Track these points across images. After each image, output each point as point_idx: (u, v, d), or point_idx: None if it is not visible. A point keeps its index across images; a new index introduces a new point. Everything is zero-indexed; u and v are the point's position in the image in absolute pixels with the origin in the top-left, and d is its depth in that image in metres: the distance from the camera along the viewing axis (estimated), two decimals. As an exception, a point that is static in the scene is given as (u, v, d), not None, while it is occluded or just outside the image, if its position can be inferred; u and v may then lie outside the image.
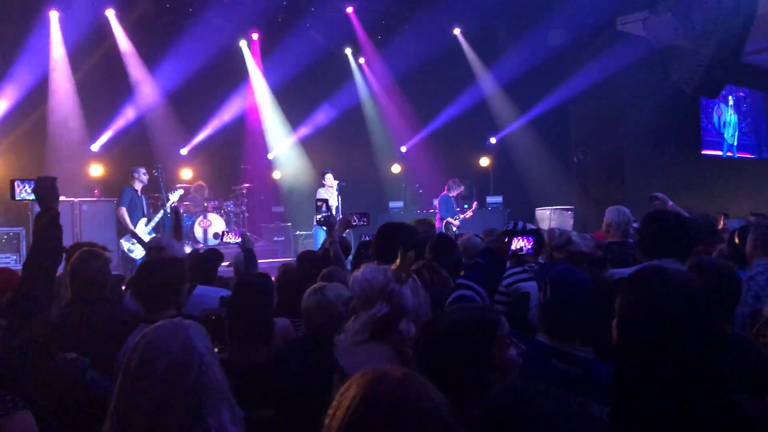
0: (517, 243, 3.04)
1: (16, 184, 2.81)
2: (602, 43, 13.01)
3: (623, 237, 4.44)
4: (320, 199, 4.22)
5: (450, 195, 11.40)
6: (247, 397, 2.08)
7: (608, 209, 4.60)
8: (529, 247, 3.07)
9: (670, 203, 5.34)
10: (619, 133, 14.04)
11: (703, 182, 14.99)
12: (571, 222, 11.87)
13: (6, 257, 9.44)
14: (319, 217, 4.16)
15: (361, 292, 2.25)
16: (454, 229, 10.90)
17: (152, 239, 4.32)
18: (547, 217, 12.45)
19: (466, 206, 11.90)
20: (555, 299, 2.53)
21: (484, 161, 14.73)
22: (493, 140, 15.21)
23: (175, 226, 4.89)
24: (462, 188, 11.73)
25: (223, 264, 4.91)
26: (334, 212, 9.89)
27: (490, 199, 13.76)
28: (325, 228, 4.11)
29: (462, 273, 3.31)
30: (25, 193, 2.79)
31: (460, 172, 13.21)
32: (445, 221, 11.16)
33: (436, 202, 11.99)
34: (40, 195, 2.71)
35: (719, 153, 17.08)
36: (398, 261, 2.26)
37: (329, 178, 10.42)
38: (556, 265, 3.42)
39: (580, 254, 4.18)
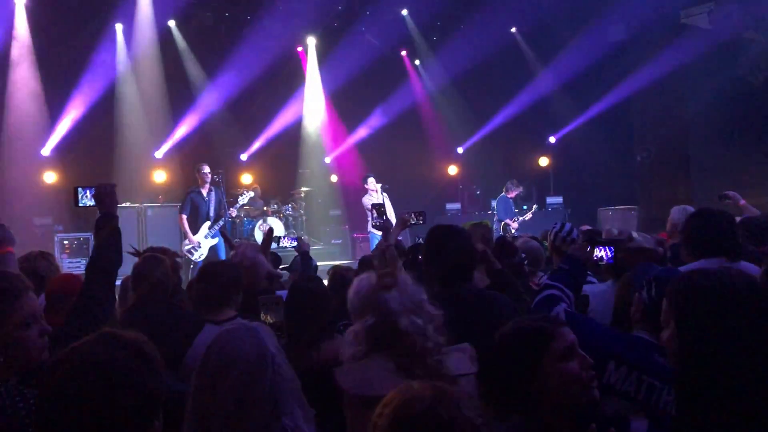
0: (599, 252, 2.99)
1: (78, 191, 2.90)
2: (665, 36, 12.58)
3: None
4: (376, 204, 4.20)
5: (508, 196, 11.23)
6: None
7: (673, 209, 4.44)
8: (610, 256, 3.02)
9: (742, 201, 5.10)
10: (684, 130, 13.55)
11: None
12: (635, 222, 11.52)
13: (77, 262, 9.82)
14: (374, 223, 4.16)
15: (350, 305, 2.21)
16: (513, 231, 10.73)
17: (242, 246, 4.36)
18: (609, 217, 12.13)
19: (525, 207, 11.70)
20: (659, 296, 2.45)
21: (544, 161, 14.47)
22: (552, 139, 14.92)
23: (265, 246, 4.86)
24: (521, 189, 11.56)
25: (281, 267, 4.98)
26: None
27: (550, 200, 13.50)
28: (380, 232, 4.09)
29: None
30: (86, 199, 2.88)
31: (518, 173, 13.04)
32: (503, 223, 11.01)
33: (494, 203, 11.84)
34: (100, 201, 2.78)
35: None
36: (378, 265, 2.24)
37: (372, 182, 9.96)
38: (647, 266, 3.31)
39: (641, 249, 4.04)
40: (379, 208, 4.16)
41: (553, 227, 4.22)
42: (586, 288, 3.60)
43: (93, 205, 2.83)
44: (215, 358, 1.75)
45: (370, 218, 9.29)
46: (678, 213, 4.35)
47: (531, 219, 11.26)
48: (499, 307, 2.82)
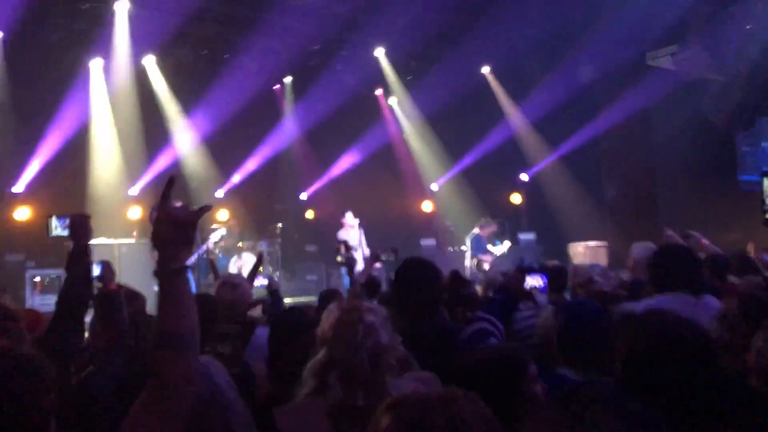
0: (531, 281, 3.09)
1: (52, 220, 2.91)
2: (632, 77, 12.98)
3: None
4: (339, 241, 4.29)
5: (480, 234, 11.37)
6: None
7: (634, 245, 4.58)
8: (542, 285, 3.12)
9: (704, 241, 5.27)
10: (650, 167, 13.89)
11: (743, 216, 14.66)
12: (605, 258, 11.71)
13: (48, 298, 9.69)
14: (339, 258, 4.22)
15: (319, 334, 2.16)
16: (486, 266, 10.85)
17: (228, 276, 4.47)
18: (580, 253, 12.31)
19: (497, 243, 11.86)
20: (566, 324, 2.56)
21: (516, 198, 14.71)
22: (524, 177, 15.18)
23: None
24: (494, 227, 11.67)
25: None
26: (358, 249, 9.95)
27: (522, 236, 13.68)
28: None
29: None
30: (60, 229, 2.89)
31: (492, 209, 13.23)
32: (476, 259, 11.13)
33: (468, 240, 11.99)
34: (73, 231, 2.79)
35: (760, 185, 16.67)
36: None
37: (349, 217, 10.30)
38: (577, 301, 3.44)
39: (600, 293, 4.19)
40: (345, 243, 4.24)
41: (518, 263, 4.35)
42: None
43: (66, 236, 2.83)
44: None
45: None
46: (638, 249, 4.48)
47: (504, 255, 11.37)
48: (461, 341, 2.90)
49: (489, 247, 11.32)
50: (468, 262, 11.10)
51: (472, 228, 11.70)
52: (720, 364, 1.91)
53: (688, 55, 11.50)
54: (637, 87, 12.83)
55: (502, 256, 11.35)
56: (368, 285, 4.41)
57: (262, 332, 3.98)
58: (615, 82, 13.27)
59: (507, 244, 11.69)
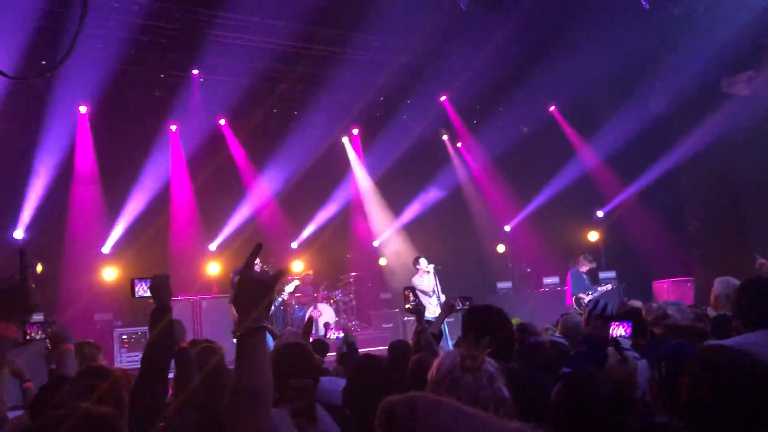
0: (616, 330, 2.94)
1: (135, 282, 3.04)
2: (707, 106, 12.56)
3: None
4: (407, 288, 4.25)
5: (581, 270, 11.13)
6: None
7: (716, 280, 4.36)
8: (628, 332, 2.96)
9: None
10: (736, 196, 13.27)
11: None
12: (691, 294, 11.16)
13: (135, 356, 10.01)
14: (407, 306, 4.18)
15: (429, 381, 2.19)
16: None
17: (287, 333, 4.55)
18: (665, 290, 11.79)
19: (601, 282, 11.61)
20: (669, 375, 2.42)
21: (594, 235, 14.30)
22: (600, 213, 14.78)
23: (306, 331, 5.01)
24: (593, 264, 11.43)
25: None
26: (433, 295, 9.86)
27: (602, 275, 13.21)
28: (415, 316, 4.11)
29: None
30: (142, 290, 3.01)
31: (568, 248, 12.94)
32: (575, 297, 10.90)
33: (567, 277, 11.74)
34: (155, 292, 2.90)
35: None
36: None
37: (423, 263, 10.25)
38: (661, 341, 3.26)
39: (676, 327, 3.97)
40: (413, 290, 4.20)
41: (587, 305, 4.20)
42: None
43: (148, 296, 2.95)
44: None
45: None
46: (721, 285, 4.27)
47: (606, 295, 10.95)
48: (542, 387, 2.80)
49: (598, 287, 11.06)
50: (568, 300, 10.89)
51: (549, 268, 11.45)
52: None
53: (764, 79, 11.07)
54: (714, 115, 12.40)
55: (605, 295, 10.97)
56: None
57: (326, 381, 3.99)
58: (690, 111, 12.87)
59: (609, 286, 11.34)
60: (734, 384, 1.72)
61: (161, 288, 2.87)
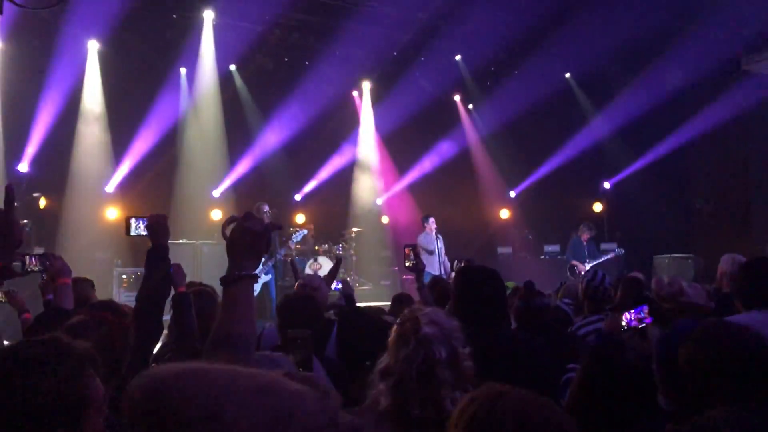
0: (627, 317, 2.83)
1: (131, 221, 3.00)
2: (725, 82, 12.35)
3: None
4: (407, 245, 4.21)
5: (581, 238, 11.18)
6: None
7: (723, 258, 4.33)
8: (648, 320, 2.84)
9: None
10: (744, 177, 13.16)
11: None
12: (691, 272, 11.17)
13: (133, 295, 10.07)
14: (407, 264, 4.16)
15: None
16: (580, 273, 10.58)
17: (308, 277, 4.58)
18: (665, 265, 11.79)
19: (602, 250, 11.69)
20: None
21: (598, 206, 14.24)
22: (607, 185, 14.69)
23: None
24: (594, 232, 11.56)
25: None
26: (437, 256, 9.88)
27: (604, 246, 13.20)
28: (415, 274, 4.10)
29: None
30: (139, 229, 2.97)
31: (572, 218, 12.90)
32: (569, 264, 10.97)
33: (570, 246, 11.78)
34: (152, 231, 2.86)
35: None
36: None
37: (432, 222, 10.27)
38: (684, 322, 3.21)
39: (691, 305, 3.95)
40: (413, 248, 4.17)
41: (585, 275, 4.18)
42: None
43: (144, 235, 2.92)
44: None
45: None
46: (727, 262, 4.23)
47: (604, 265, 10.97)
48: (535, 351, 2.80)
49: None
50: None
51: (550, 236, 11.47)
52: None
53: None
54: (731, 93, 12.21)
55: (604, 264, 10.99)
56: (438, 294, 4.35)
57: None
58: (707, 88, 12.66)
59: (612, 254, 11.42)
60: (733, 357, 1.71)
61: (158, 227, 2.83)
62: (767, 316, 2.95)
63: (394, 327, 2.12)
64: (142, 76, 11.90)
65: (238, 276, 1.61)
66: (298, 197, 13.96)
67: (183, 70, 12.52)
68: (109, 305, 2.73)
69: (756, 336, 1.81)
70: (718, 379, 1.73)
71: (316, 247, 12.36)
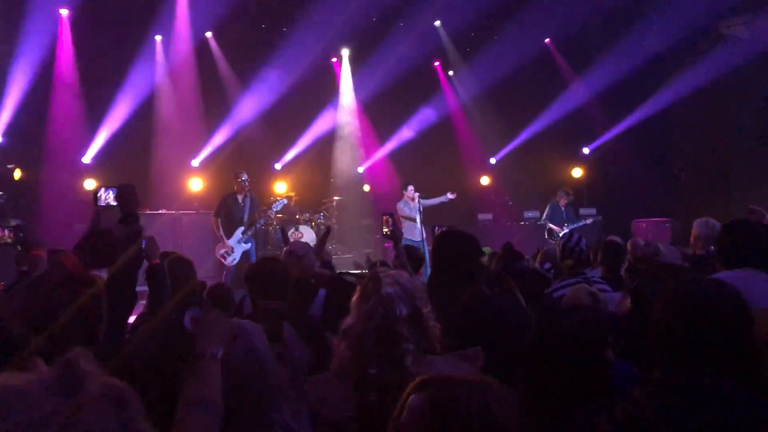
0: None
1: (99, 192, 2.97)
2: (703, 47, 12.37)
3: (711, 250, 4.23)
4: (385, 213, 4.20)
5: (559, 203, 11.34)
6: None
7: (696, 222, 4.42)
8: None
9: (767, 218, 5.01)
10: (723, 142, 13.27)
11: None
12: (668, 235, 11.32)
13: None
14: (384, 230, 4.15)
15: None
16: (558, 235, 10.68)
17: (295, 244, 4.56)
18: (643, 229, 11.93)
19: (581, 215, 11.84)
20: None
21: (578, 172, 14.32)
22: (586, 150, 14.76)
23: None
24: (571, 197, 11.74)
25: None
26: (418, 224, 9.92)
27: (583, 211, 13.31)
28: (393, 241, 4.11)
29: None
30: (108, 199, 2.94)
31: (552, 184, 12.96)
32: (548, 227, 11.13)
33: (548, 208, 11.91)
34: (121, 201, 2.84)
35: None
36: None
37: (411, 190, 10.32)
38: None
39: (666, 266, 4.01)
40: (391, 215, 4.16)
41: (562, 237, 4.22)
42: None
43: (114, 205, 2.89)
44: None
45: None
46: (700, 226, 4.31)
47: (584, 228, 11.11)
48: (509, 310, 2.83)
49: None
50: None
51: (531, 202, 11.56)
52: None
53: (765, 23, 10.88)
54: (710, 58, 12.24)
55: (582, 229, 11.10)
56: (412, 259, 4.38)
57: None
58: (685, 52, 12.68)
59: (590, 220, 11.60)
60: (708, 311, 1.74)
61: (127, 197, 2.81)
62: (744, 274, 3.02)
63: (358, 287, 2.13)
64: (116, 44, 11.65)
65: None
66: (278, 166, 13.87)
67: (158, 38, 12.28)
68: (81, 278, 2.70)
69: (732, 291, 1.84)
70: (686, 334, 1.75)
71: (297, 216, 12.34)
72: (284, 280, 3.30)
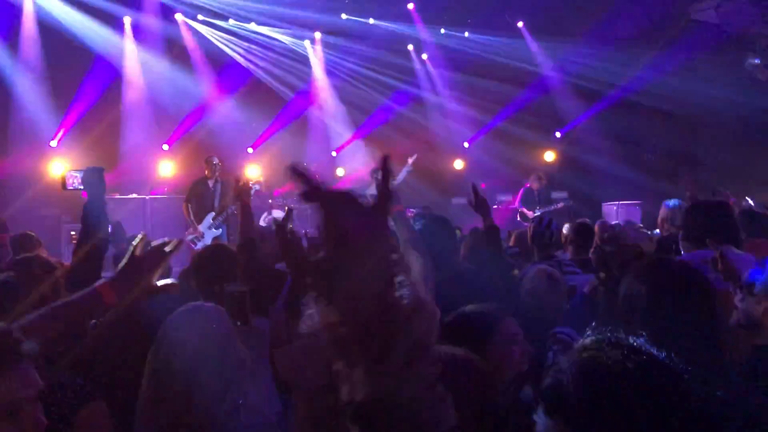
0: None
1: (68, 176, 2.93)
2: (673, 31, 12.50)
3: (677, 231, 4.31)
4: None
5: (532, 187, 11.43)
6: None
7: (663, 203, 4.49)
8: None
9: (733, 200, 5.13)
10: (691, 127, 13.47)
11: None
12: (638, 217, 11.49)
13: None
14: None
15: None
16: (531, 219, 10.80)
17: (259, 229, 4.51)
18: (613, 212, 12.10)
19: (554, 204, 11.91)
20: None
21: (550, 156, 14.45)
22: (558, 134, 14.89)
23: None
24: (544, 182, 11.79)
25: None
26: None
27: (555, 195, 13.44)
28: None
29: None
30: (75, 182, 2.90)
31: (524, 167, 13.05)
32: (520, 211, 11.21)
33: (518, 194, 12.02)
34: (87, 185, 2.79)
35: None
36: None
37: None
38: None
39: (632, 247, 4.07)
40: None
41: (533, 220, 4.27)
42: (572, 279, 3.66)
43: (81, 189, 2.85)
44: (165, 342, 1.80)
45: None
46: (666, 208, 4.39)
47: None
48: (480, 283, 2.88)
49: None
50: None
51: (503, 185, 11.64)
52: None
53: (733, 7, 11.02)
54: (679, 42, 12.37)
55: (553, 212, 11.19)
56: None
57: None
58: (655, 36, 12.81)
59: (561, 204, 11.64)
60: (671, 289, 1.78)
61: (93, 180, 2.77)
62: (710, 254, 3.08)
63: None
64: (81, 25, 11.40)
65: None
66: (250, 150, 13.75)
67: (127, 19, 12.03)
68: (36, 260, 2.67)
69: (696, 270, 1.88)
70: (651, 312, 1.78)
71: (270, 200, 12.26)
72: (230, 264, 3.27)
